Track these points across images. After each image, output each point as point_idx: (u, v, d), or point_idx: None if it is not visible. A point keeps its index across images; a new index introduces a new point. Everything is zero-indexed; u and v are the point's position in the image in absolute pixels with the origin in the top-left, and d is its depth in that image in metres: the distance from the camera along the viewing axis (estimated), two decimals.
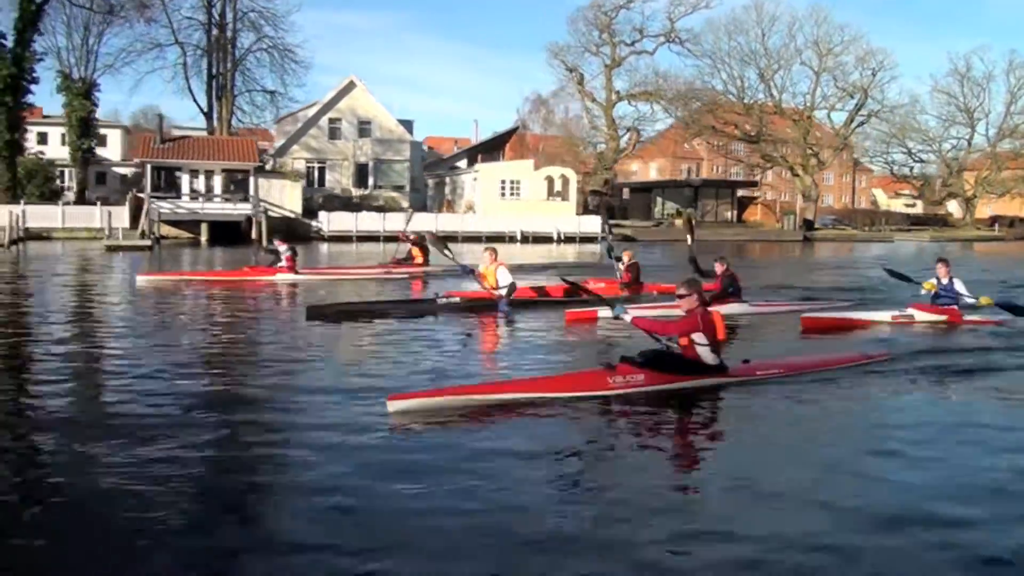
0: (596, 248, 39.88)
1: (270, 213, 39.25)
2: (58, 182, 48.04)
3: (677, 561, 3.90)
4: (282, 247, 17.59)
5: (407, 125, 59.64)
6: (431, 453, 5.42)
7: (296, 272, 17.46)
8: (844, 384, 7.77)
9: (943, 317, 11.87)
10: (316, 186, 52.71)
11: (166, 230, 38.08)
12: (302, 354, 9.47)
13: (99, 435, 5.75)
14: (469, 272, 14.52)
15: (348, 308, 12.89)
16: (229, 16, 45.32)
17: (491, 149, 69.91)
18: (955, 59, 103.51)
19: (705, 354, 7.30)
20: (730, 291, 12.75)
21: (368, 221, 41.70)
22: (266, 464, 5.24)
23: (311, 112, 55.31)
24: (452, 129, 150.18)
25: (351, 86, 55.34)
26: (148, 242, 31.50)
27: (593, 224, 45.57)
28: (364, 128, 55.81)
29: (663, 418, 6.76)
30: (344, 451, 5.46)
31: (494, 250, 13.69)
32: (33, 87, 40.83)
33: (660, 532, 4.16)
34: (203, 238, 37.52)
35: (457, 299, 13.04)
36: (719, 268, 12.92)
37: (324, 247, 36.66)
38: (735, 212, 55.58)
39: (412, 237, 20.04)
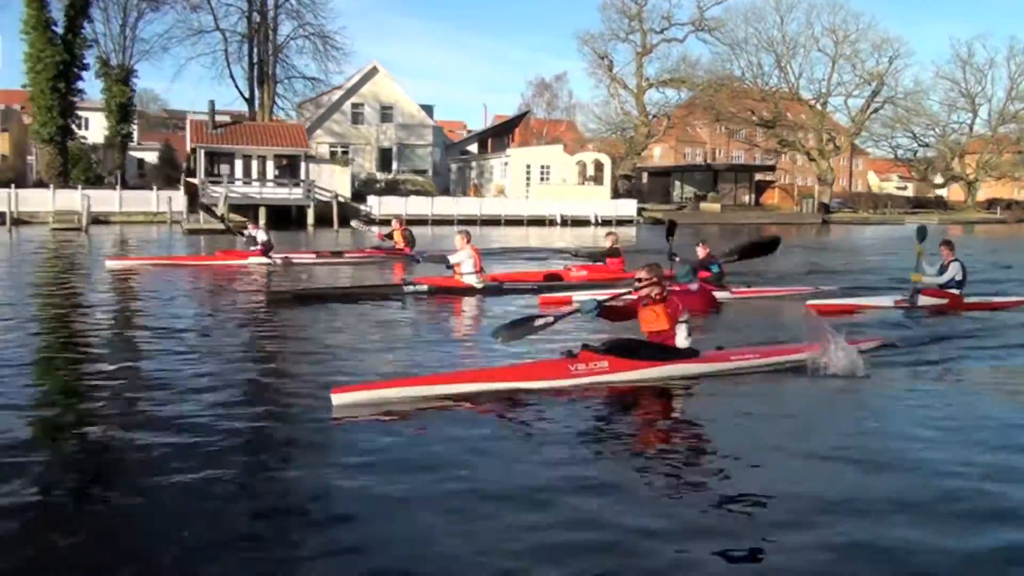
0: (632, 231, 42.64)
1: (320, 197, 41.52)
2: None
3: (639, 561, 3.74)
4: (258, 232, 17.93)
5: (427, 110, 61.82)
6: (376, 452, 5.15)
7: (269, 256, 17.63)
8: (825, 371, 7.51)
9: (944, 301, 11.96)
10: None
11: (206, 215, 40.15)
12: (253, 340, 9.47)
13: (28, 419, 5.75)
14: (431, 260, 14.70)
15: (310, 293, 13.05)
16: (270, 3, 47.29)
17: (500, 133, 72.33)
18: (957, 45, 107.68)
19: (682, 334, 7.13)
20: (712, 276, 12.71)
21: (417, 205, 44.07)
22: (194, 457, 4.94)
23: (333, 97, 57.39)
24: (454, 112, 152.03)
25: (374, 71, 57.27)
26: (223, 226, 33.61)
27: (628, 207, 48.36)
28: (386, 113, 57.81)
29: (628, 407, 6.54)
30: (282, 446, 5.33)
31: (467, 233, 13.69)
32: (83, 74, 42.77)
33: (620, 531, 3.98)
34: (261, 221, 39.61)
35: (425, 286, 12.98)
36: (701, 252, 12.95)
37: (376, 230, 38.98)
38: (753, 195, 58.68)
39: (397, 225, 19.72)
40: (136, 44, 47.58)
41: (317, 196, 41.27)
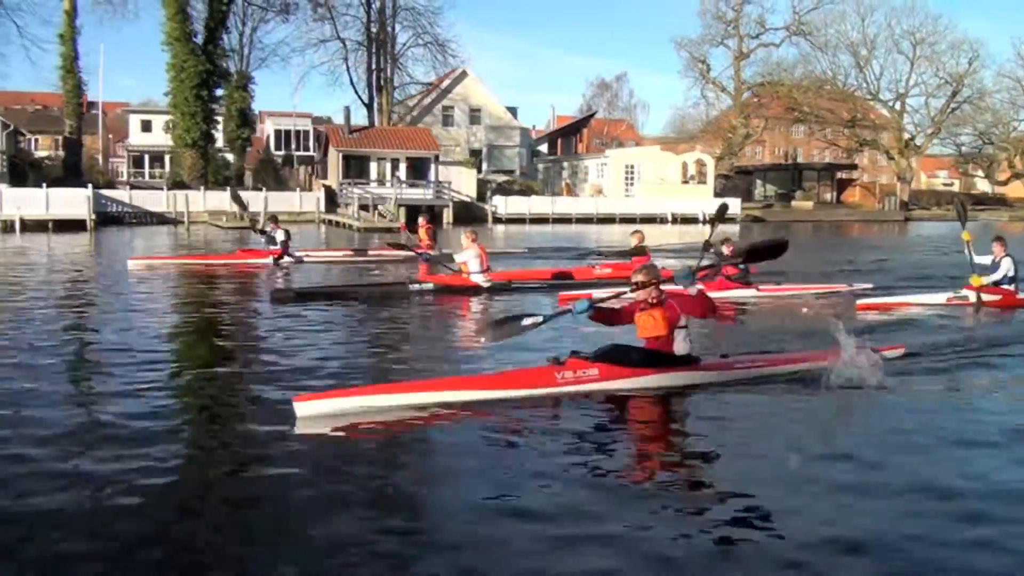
0: (735, 228, 46.32)
1: (453, 197, 45.27)
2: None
3: None
4: (278, 231, 18.25)
5: (512, 112, 65.58)
6: (336, 465, 5.06)
7: (290, 255, 18.14)
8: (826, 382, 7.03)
9: (997, 297, 11.73)
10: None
11: (348, 214, 43.78)
12: (242, 339, 9.83)
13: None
14: (435, 261, 15.38)
15: (314, 291, 13.29)
16: (388, 12, 51.04)
17: (568, 134, 76.22)
18: (1018, 44, 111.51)
19: (680, 339, 6.87)
20: (739, 273, 12.93)
21: (540, 204, 47.86)
22: (164, 464, 4.98)
23: (424, 100, 61.08)
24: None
25: (463, 75, 60.92)
26: (398, 224, 37.29)
27: (732, 206, 52.08)
28: (475, 115, 61.58)
29: (617, 419, 6.27)
30: (237, 456, 5.24)
31: (474, 232, 13.97)
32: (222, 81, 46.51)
33: (606, 555, 3.83)
34: (401, 220, 43.28)
35: (430, 284, 13.21)
36: (727, 250, 13.00)
37: (500, 228, 42.50)
38: (835, 193, 62.51)
39: (423, 223, 19.99)
40: (253, 52, 51.46)
41: (449, 196, 45.03)
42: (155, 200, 41.22)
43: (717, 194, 54.64)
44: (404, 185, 44.25)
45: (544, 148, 73.30)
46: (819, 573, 3.72)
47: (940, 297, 12.23)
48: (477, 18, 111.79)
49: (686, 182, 52.87)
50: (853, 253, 25.63)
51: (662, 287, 6.96)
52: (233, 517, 4.37)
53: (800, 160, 69.71)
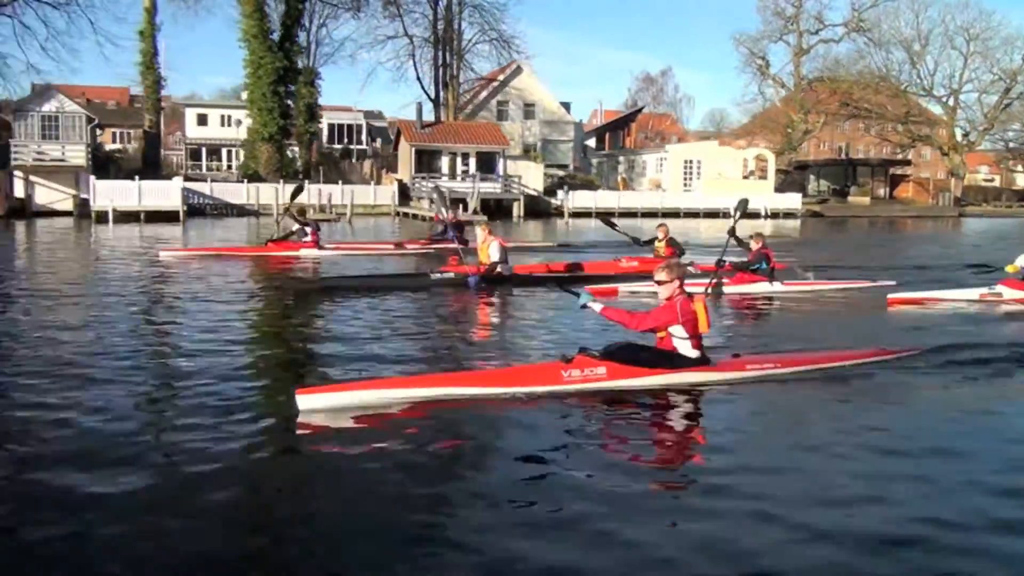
0: (796, 223, 47.71)
1: (524, 191, 46.87)
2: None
3: None
4: (308, 224, 18.91)
5: (565, 106, 67.04)
6: (337, 457, 5.17)
7: (320, 247, 18.66)
8: (854, 384, 7.16)
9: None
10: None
11: (423, 207, 45.43)
12: (257, 330, 10.16)
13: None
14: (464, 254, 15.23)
15: (335, 283, 13.58)
16: (455, 9, 52.66)
17: (615, 128, 77.60)
18: None
19: (683, 347, 6.81)
20: (760, 268, 13.23)
21: (605, 199, 49.40)
22: (159, 451, 5.14)
23: (480, 96, 62.61)
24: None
25: (518, 70, 62.41)
26: (484, 217, 39.04)
27: (793, 201, 53.54)
28: (529, 110, 63.04)
29: (624, 419, 6.22)
30: (240, 447, 5.26)
31: (488, 225, 14.40)
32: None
33: (606, 560, 3.84)
34: (518, 214, 45.07)
35: (451, 275, 13.53)
36: (755, 244, 13.42)
37: (568, 222, 43.61)
38: (888, 189, 63.78)
39: (450, 218, 20.03)
40: (320, 48, 53.20)
41: (519, 190, 46.64)
42: (235, 192, 43.07)
43: (776, 189, 56.08)
44: (476, 179, 45.89)
45: (592, 143, 74.77)
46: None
47: (973, 293, 12.28)
48: (519, 13, 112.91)
49: (746, 177, 54.23)
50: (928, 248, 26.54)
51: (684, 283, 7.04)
52: (229, 509, 4.40)
53: (852, 155, 71.07)
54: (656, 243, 15.76)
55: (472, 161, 47.49)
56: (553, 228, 38.87)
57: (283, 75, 45.97)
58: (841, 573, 3.80)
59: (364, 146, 67.23)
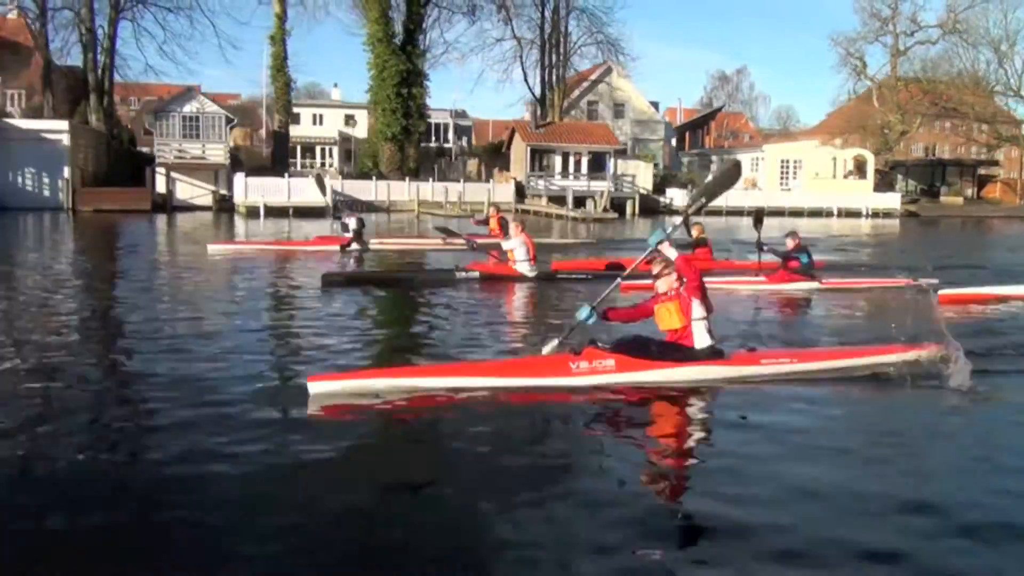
0: (896, 223, 49.75)
1: (638, 190, 49.53)
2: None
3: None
4: (351, 220, 19.48)
5: (654, 106, 69.57)
6: (343, 446, 5.28)
7: (361, 242, 19.26)
8: (871, 382, 7.09)
9: None
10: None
11: (541, 204, 48.15)
12: (284, 319, 10.62)
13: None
14: (475, 249, 15.74)
15: (363, 276, 14.31)
16: (562, 12, 55.43)
17: (695, 127, 79.94)
18: None
19: (699, 329, 6.83)
20: (801, 267, 13.32)
21: (717, 198, 51.84)
22: (168, 438, 5.32)
23: (571, 95, 65.21)
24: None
25: (608, 70, 64.94)
26: (614, 215, 41.83)
27: (892, 201, 55.74)
28: (619, 109, 65.58)
29: (632, 413, 6.32)
30: (252, 432, 5.46)
31: (521, 221, 14.96)
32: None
33: (604, 559, 3.84)
34: (632, 211, 47.65)
35: (476, 273, 13.83)
36: (791, 243, 13.43)
37: (675, 220, 46.40)
38: (975, 189, 65.59)
39: (493, 212, 20.99)
40: (429, 51, 56.02)
41: (634, 189, 49.32)
42: (364, 189, 46.09)
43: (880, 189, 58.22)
44: (584, 177, 48.58)
45: (672, 142, 77.14)
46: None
47: None
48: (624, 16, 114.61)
49: (846, 177, 56.47)
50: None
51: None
52: (231, 492, 4.56)
53: (937, 156, 72.99)
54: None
55: (584, 160, 50.18)
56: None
57: (405, 77, 48.82)
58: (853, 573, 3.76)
59: (451, 144, 70.12)
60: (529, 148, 49.03)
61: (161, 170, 44.78)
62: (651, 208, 49.25)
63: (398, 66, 48.20)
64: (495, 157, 57.26)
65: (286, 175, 41.77)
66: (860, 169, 56.81)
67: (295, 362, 7.70)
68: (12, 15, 62.05)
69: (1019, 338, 9.34)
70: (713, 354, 6.95)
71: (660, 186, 52.19)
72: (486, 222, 20.75)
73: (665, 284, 7.00)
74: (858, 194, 54.41)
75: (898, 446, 5.70)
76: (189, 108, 45.54)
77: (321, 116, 71.01)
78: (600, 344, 6.84)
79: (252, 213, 40.30)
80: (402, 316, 11.08)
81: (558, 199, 46.91)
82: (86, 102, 50.57)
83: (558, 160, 49.80)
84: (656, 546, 4.05)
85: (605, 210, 42.21)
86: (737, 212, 49.93)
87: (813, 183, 55.23)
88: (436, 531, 4.15)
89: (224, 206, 43.57)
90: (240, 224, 35.77)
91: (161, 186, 44.48)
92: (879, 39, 62.09)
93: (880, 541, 4.07)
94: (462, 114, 77.53)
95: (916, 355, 7.39)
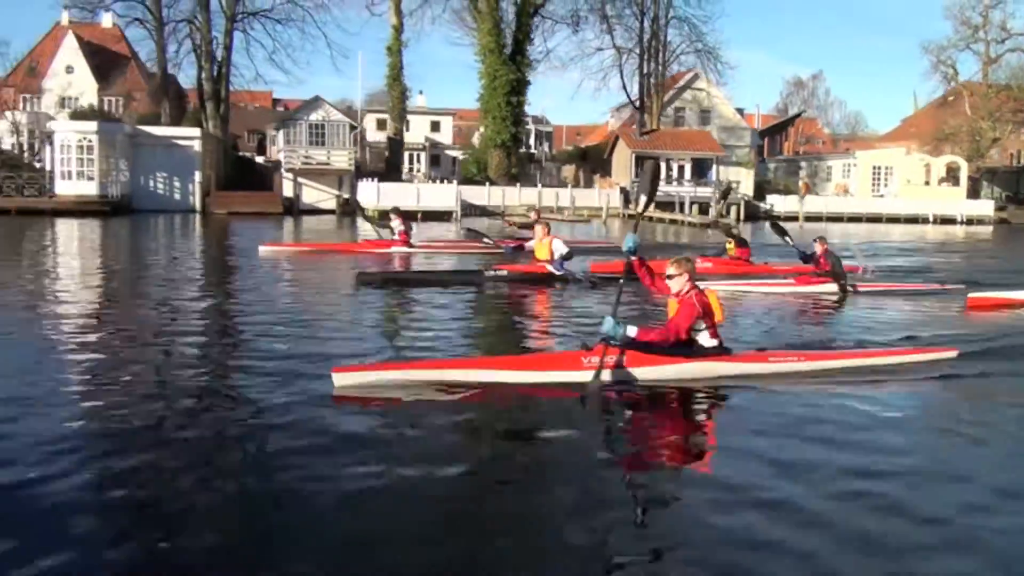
0: (989, 229, 51.47)
1: (745, 196, 51.77)
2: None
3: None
4: (396, 222, 20.08)
5: (739, 112, 71.71)
6: (364, 435, 5.60)
7: (410, 245, 19.93)
8: (878, 383, 7.23)
9: None
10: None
11: (650, 210, 50.41)
12: (310, 315, 11.07)
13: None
14: (512, 250, 16.96)
15: (395, 276, 15.19)
16: (662, 20, 58.03)
17: (773, 133, 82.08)
18: None
19: (703, 337, 7.12)
20: (831, 270, 13.70)
21: (812, 203, 54.20)
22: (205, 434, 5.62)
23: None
24: None
25: (695, 77, 67.22)
26: (729, 219, 44.42)
27: (986, 208, 57.69)
28: (704, 116, 67.80)
29: (638, 406, 6.65)
30: (276, 424, 5.80)
31: (547, 224, 15.34)
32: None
33: (615, 540, 4.14)
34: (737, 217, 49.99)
35: (505, 272, 14.41)
36: (819, 248, 13.85)
37: (800, 226, 48.16)
38: None
39: (535, 215, 21.11)
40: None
41: (741, 195, 51.65)
42: (478, 194, 48.93)
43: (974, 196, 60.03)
44: (687, 183, 51.04)
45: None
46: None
47: None
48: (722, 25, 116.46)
49: (940, 184, 58.47)
50: None
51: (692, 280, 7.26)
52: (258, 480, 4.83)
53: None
54: (727, 245, 16.68)
55: (687, 167, 52.68)
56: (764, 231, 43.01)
57: (514, 86, 51.64)
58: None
59: (532, 150, 72.74)
60: (634, 155, 51.55)
61: (288, 175, 47.82)
62: (753, 214, 51.48)
63: (508, 75, 50.83)
64: (579, 162, 59.97)
65: (413, 181, 44.48)
66: (952, 176, 58.73)
67: (323, 355, 8.01)
68: (107, 23, 65.94)
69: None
70: (721, 351, 7.28)
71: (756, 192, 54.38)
72: (530, 226, 19.45)
73: (677, 285, 7.20)
74: (952, 201, 56.32)
75: (902, 443, 5.79)
76: (315, 116, 48.57)
77: (408, 122, 73.91)
78: (612, 341, 7.02)
79: (383, 216, 42.93)
80: (430, 314, 11.41)
81: (663, 205, 49.33)
82: (201, 109, 53.92)
83: (662, 167, 52.29)
84: (655, 538, 4.24)
85: (722, 215, 44.59)
86: (837, 218, 52.19)
87: (906, 190, 57.25)
88: (438, 516, 4.38)
89: (347, 210, 46.45)
90: (361, 226, 38.06)
91: (288, 190, 47.52)
92: (969, 46, 63.90)
93: (876, 538, 4.16)
94: (543, 120, 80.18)
95: (921, 357, 7.78)
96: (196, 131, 46.51)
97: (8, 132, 47.91)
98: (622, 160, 53.00)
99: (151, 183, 46.21)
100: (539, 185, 50.48)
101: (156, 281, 15.42)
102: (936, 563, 4.00)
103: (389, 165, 52.09)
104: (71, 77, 58.80)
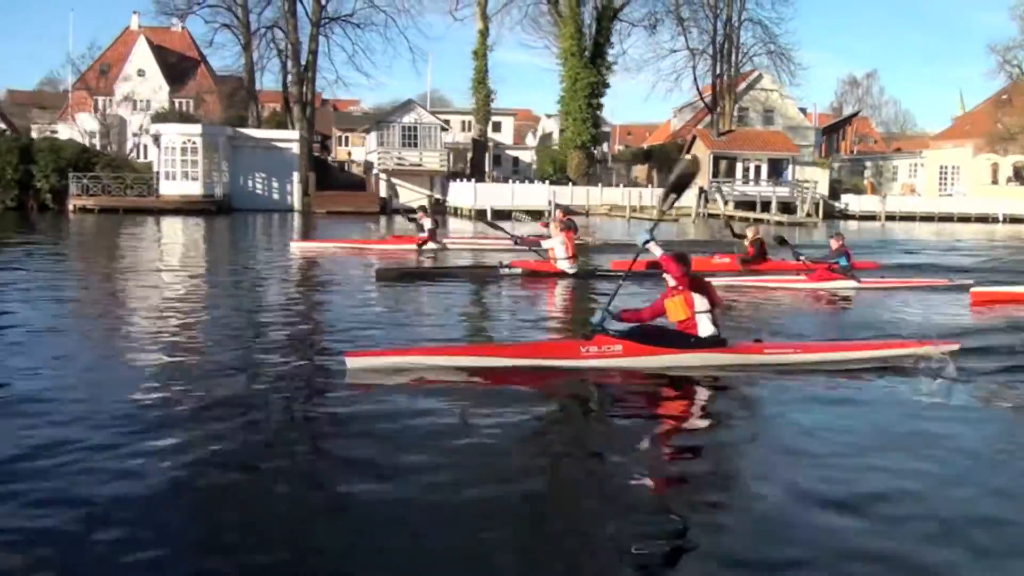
0: None
1: (822, 196, 53.75)
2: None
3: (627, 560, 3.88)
4: (426, 220, 20.88)
5: (802, 111, 73.73)
6: (374, 417, 5.94)
7: (436, 241, 20.81)
8: (876, 377, 7.42)
9: None
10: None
11: (728, 209, 52.73)
12: (330, 305, 11.94)
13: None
14: (524, 245, 17.61)
15: (414, 271, 16.02)
16: (735, 22, 60.23)
17: (830, 132, 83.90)
18: None
19: (704, 321, 7.43)
20: (840, 267, 14.17)
21: (895, 203, 55.37)
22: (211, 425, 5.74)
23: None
24: None
25: (759, 77, 69.25)
26: (816, 219, 46.70)
27: None
28: (768, 116, 69.84)
29: (634, 395, 6.94)
30: (300, 410, 6.31)
31: (560, 222, 16.30)
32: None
33: (611, 525, 4.25)
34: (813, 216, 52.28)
35: (519, 269, 14.97)
36: (835, 244, 14.52)
37: (853, 224, 48.49)
38: None
39: (560, 216, 20.87)
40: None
41: (820, 195, 53.68)
42: (562, 194, 51.30)
43: None
44: (764, 184, 53.28)
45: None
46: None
47: None
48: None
49: (1008, 182, 60.44)
50: None
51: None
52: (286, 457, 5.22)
53: None
54: (745, 242, 16.92)
55: (764, 167, 54.96)
56: (843, 230, 44.43)
57: (594, 89, 54.13)
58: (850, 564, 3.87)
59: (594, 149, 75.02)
60: (712, 155, 53.87)
61: (383, 176, 50.52)
62: (829, 213, 53.41)
63: (588, 78, 53.24)
64: (645, 162, 62.32)
65: (511, 181, 46.89)
66: (1020, 175, 60.65)
67: (340, 341, 8.75)
68: (176, 28, 68.89)
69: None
70: (717, 343, 7.53)
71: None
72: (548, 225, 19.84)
73: (673, 279, 7.54)
74: (1021, 200, 58.27)
75: (890, 435, 5.91)
76: (408, 119, 51.22)
77: (469, 123, 76.40)
78: (611, 331, 7.44)
79: (480, 216, 45.46)
80: (445, 306, 12.02)
81: (744, 204, 51.64)
82: (287, 112, 56.73)
83: (739, 166, 54.62)
84: (647, 525, 4.33)
85: (808, 215, 46.79)
86: (909, 217, 54.17)
87: (975, 189, 59.17)
88: (430, 496, 4.53)
89: (438, 209, 49.03)
90: (453, 223, 40.16)
91: (383, 191, 50.19)
92: None
93: (861, 532, 4.22)
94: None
95: (914, 351, 7.91)
96: (295, 134, 49.17)
97: (93, 133, 50.71)
98: (700, 160, 55.01)
99: (250, 183, 48.86)
100: (620, 185, 52.73)
101: (254, 276, 16.44)
102: (922, 553, 4.03)
103: (474, 166, 54.59)
104: (142, 79, 61.75)
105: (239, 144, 47.84)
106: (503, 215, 44.81)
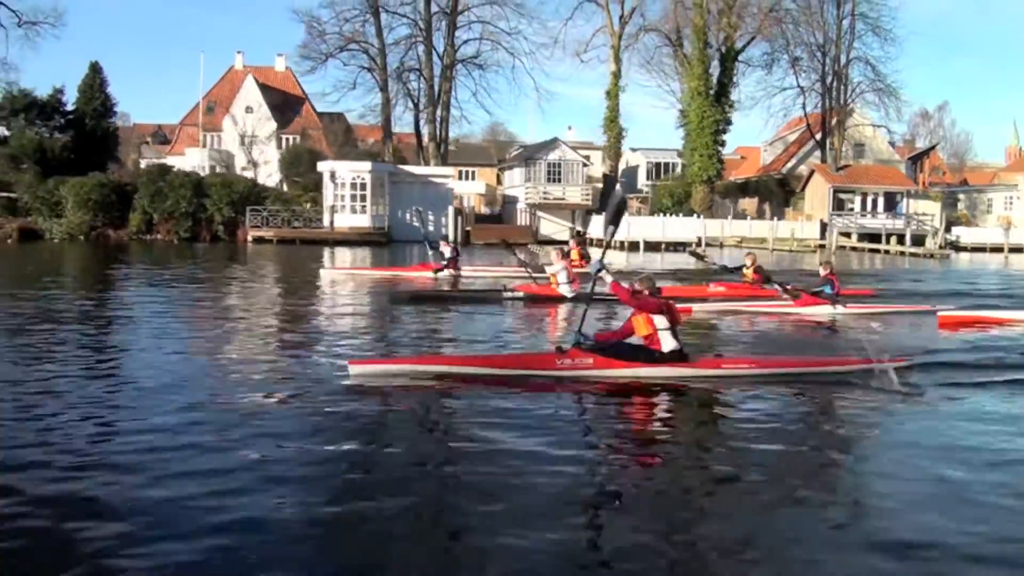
0: None
1: (937, 229, 58.22)
2: None
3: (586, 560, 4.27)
4: (446, 249, 22.62)
5: (891, 145, 78.48)
6: (381, 416, 7.06)
7: (458, 269, 22.27)
8: (825, 390, 8.27)
9: None
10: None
11: (844, 241, 57.52)
12: (341, 323, 13.20)
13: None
14: (528, 270, 18.91)
15: (423, 294, 17.43)
16: (843, 61, 65.45)
17: (911, 163, 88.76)
18: None
19: (665, 337, 8.44)
20: (823, 292, 15.10)
21: (986, 234, 58.66)
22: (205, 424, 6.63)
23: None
24: None
25: (850, 111, 74.34)
26: (948, 252, 51.44)
27: None
28: (858, 149, 74.66)
29: (601, 403, 7.86)
30: (299, 408, 7.28)
31: (560, 251, 17.49)
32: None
33: (560, 527, 4.64)
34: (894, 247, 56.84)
35: (521, 293, 16.19)
36: (823, 271, 15.43)
37: (964, 256, 51.44)
38: None
39: (574, 244, 24.25)
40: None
41: (935, 228, 57.87)
42: (695, 227, 56.43)
43: None
44: (881, 216, 58.39)
45: None
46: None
47: None
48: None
49: None
50: None
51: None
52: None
53: None
54: (744, 270, 17.71)
55: (881, 200, 60.19)
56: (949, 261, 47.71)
57: (719, 126, 59.46)
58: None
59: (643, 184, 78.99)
60: (832, 188, 59.14)
61: (526, 208, 55.76)
62: (954, 245, 55.99)
63: (715, 116, 58.48)
64: (742, 195, 67.25)
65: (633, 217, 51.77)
66: None
67: (346, 351, 9.97)
68: (279, 67, 74.50)
69: (996, 355, 10.46)
70: (679, 357, 8.51)
71: None
72: (568, 255, 20.27)
73: (624, 302, 8.62)
74: None
75: (835, 438, 6.79)
76: (553, 156, 56.65)
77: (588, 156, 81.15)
78: (584, 345, 8.51)
79: (633, 247, 50.06)
80: (449, 325, 13.29)
81: (867, 236, 56.15)
82: (419, 150, 62.14)
83: (857, 200, 59.88)
84: (614, 520, 4.88)
85: (941, 247, 51.63)
86: (998, 248, 55.31)
87: None
88: (413, 495, 5.11)
89: (579, 240, 53.79)
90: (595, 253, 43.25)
91: (525, 222, 55.34)
92: None
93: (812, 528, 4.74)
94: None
95: (862, 366, 8.63)
96: (450, 171, 54.30)
97: (203, 168, 55.82)
98: (818, 194, 60.11)
99: (407, 216, 53.91)
100: (728, 217, 57.60)
101: None
102: (857, 557, 4.36)
103: (603, 200, 59.85)
104: (249, 116, 66.72)
105: (398, 180, 52.57)
106: (653, 247, 49.90)
